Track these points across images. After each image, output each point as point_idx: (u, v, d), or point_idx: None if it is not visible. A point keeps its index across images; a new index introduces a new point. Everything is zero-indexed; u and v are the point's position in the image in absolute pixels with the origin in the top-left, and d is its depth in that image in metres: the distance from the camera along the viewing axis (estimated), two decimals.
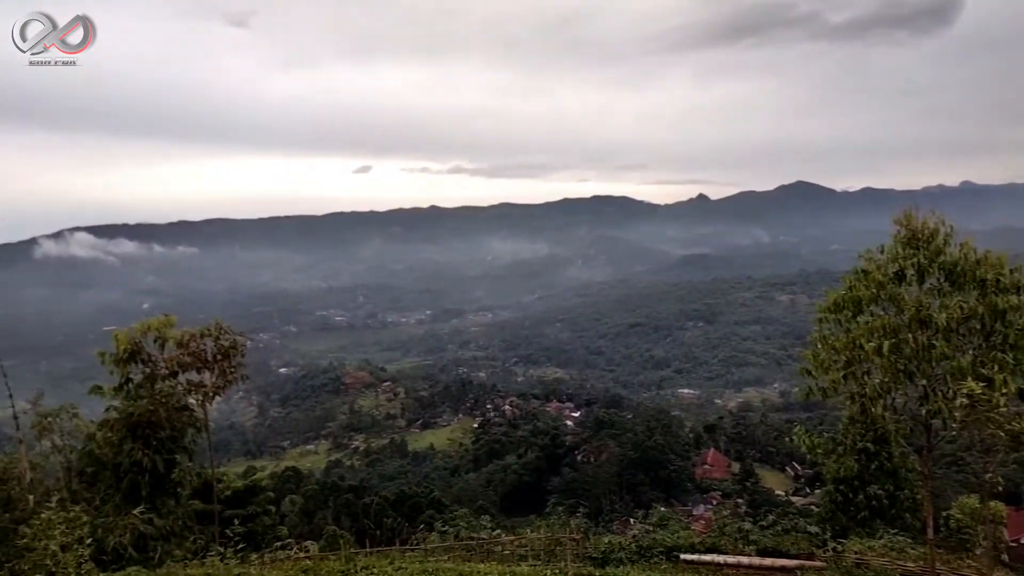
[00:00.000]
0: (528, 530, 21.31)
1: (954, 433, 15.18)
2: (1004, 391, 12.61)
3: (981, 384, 12.55)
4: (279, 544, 19.04)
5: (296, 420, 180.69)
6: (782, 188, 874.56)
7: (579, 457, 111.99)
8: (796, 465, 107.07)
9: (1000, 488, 20.05)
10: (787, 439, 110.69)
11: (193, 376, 20.36)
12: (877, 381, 14.10)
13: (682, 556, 17.58)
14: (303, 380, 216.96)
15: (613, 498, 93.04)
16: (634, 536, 19.77)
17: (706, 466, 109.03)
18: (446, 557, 17.43)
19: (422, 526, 24.86)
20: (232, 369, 20.74)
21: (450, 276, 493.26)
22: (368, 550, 18.02)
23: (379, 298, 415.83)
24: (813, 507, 39.36)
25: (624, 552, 17.68)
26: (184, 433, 19.46)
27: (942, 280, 14.23)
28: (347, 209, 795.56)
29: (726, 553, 17.55)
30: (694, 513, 76.58)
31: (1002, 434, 12.77)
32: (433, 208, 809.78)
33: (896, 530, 21.20)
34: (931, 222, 14.41)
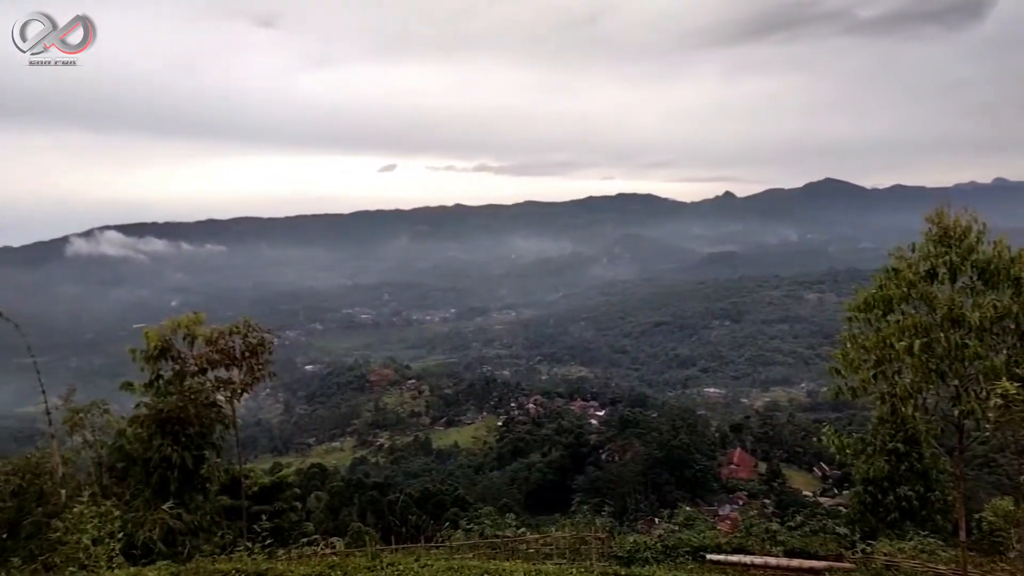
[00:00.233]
0: (553, 529, 21.29)
1: (987, 434, 14.91)
2: None
3: (1015, 384, 12.30)
4: (305, 540, 19.18)
5: (322, 417, 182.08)
6: (810, 185, 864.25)
7: (604, 456, 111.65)
8: (824, 465, 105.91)
9: None
10: (815, 439, 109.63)
11: (221, 373, 20.56)
12: (908, 381, 13.87)
13: (708, 556, 17.45)
14: (329, 377, 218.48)
15: (638, 497, 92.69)
16: (659, 536, 19.66)
17: (732, 466, 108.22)
18: (471, 555, 17.46)
19: (447, 524, 24.92)
20: (260, 366, 20.89)
21: (475, 274, 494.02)
22: (394, 547, 18.10)
23: (404, 296, 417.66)
24: (841, 508, 38.88)
25: (650, 552, 17.59)
26: (212, 429, 19.65)
27: (975, 279, 13.97)
28: (373, 208, 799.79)
29: (753, 554, 17.40)
30: (720, 513, 76.13)
31: None
32: (458, 206, 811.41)
33: (927, 532, 20.88)
34: (963, 219, 14.15)
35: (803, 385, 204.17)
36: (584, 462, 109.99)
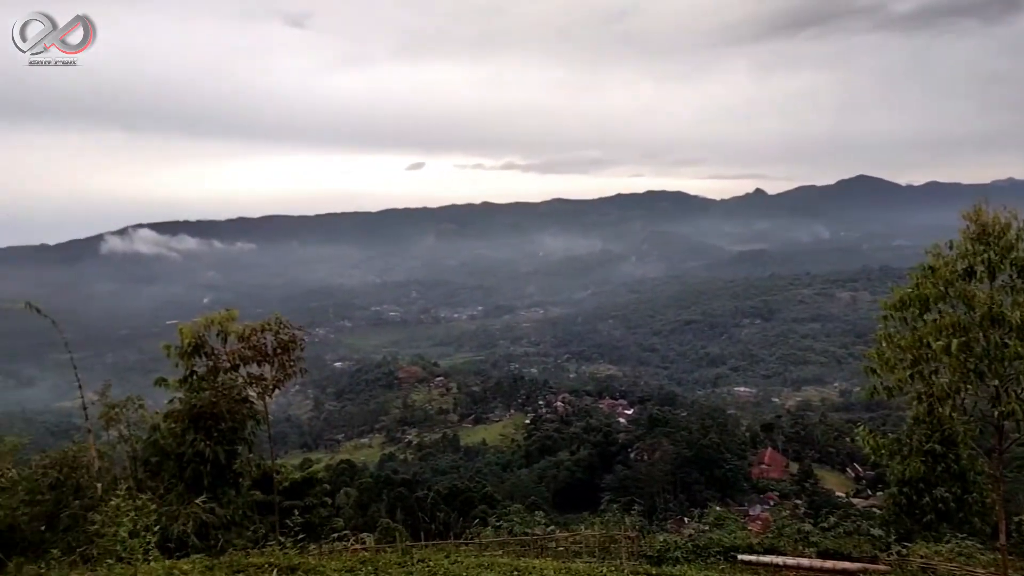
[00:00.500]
0: (582, 527, 21.23)
1: None
2: None
3: None
4: (336, 536, 19.34)
5: (350, 414, 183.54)
6: (843, 182, 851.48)
7: (632, 455, 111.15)
8: (857, 466, 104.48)
9: None
10: (848, 439, 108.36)
11: (253, 369, 20.75)
12: (945, 381, 13.62)
13: (740, 556, 17.28)
14: (357, 374, 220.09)
15: (667, 497, 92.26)
16: (690, 535, 19.52)
17: (763, 466, 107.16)
18: (500, 552, 17.47)
19: (476, 521, 24.96)
20: (291, 363, 21.05)
21: (502, 272, 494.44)
22: (423, 543, 18.17)
23: (432, 294, 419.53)
24: (875, 509, 38.34)
25: (680, 551, 17.46)
26: (244, 425, 19.84)
27: (1015, 277, 13.67)
28: (401, 206, 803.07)
29: (785, 554, 17.19)
30: (750, 513, 75.50)
31: None
32: (486, 204, 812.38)
33: (964, 535, 20.51)
34: (1002, 217, 13.84)
35: (836, 384, 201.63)
36: (612, 461, 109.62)
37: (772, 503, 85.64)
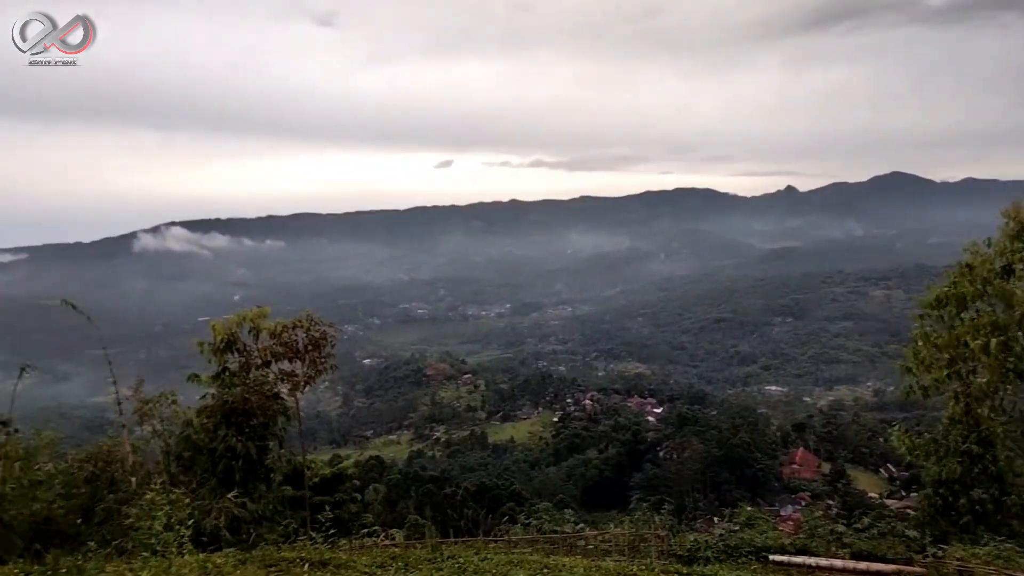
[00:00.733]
0: (611, 525, 21.12)
1: None
2: None
3: None
4: (365, 531, 19.45)
5: (379, 410, 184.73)
6: (877, 179, 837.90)
7: (661, 453, 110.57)
8: (891, 467, 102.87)
9: None
10: (881, 439, 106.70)
11: (285, 366, 20.92)
12: (983, 380, 13.38)
13: (772, 557, 17.07)
14: (386, 371, 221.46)
15: (696, 496, 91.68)
16: (720, 535, 19.32)
17: (794, 466, 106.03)
18: (529, 549, 17.44)
19: (504, 518, 24.96)
20: (322, 360, 21.20)
21: (530, 270, 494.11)
22: (453, 540, 18.21)
23: (460, 291, 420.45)
24: (909, 510, 37.68)
25: (711, 551, 17.30)
26: (275, 421, 20.00)
27: None
28: (429, 203, 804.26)
29: (818, 555, 16.95)
30: (781, 514, 74.71)
31: None
32: (513, 202, 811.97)
33: (1002, 537, 20.05)
34: None
35: (869, 384, 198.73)
36: (641, 459, 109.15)
37: (803, 503, 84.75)
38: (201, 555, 11.28)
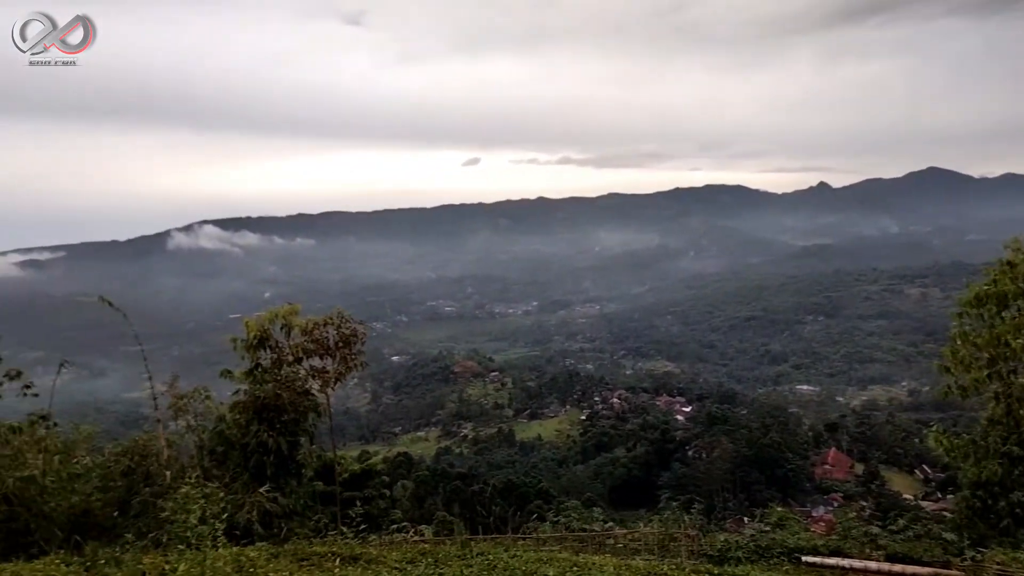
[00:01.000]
0: (640, 524, 21.01)
1: None
2: None
3: None
4: (395, 527, 19.55)
5: (407, 407, 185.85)
6: (912, 175, 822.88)
7: (690, 453, 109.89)
8: (927, 468, 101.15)
9: None
10: (917, 440, 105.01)
11: (316, 363, 21.09)
12: None
13: (804, 558, 16.85)
14: (414, 368, 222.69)
15: (726, 496, 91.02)
16: (752, 535, 19.12)
17: (826, 466, 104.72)
18: (558, 547, 17.41)
19: (532, 516, 24.97)
20: (352, 357, 21.34)
21: (558, 267, 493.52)
22: (481, 536, 18.23)
23: (487, 289, 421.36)
24: (945, 513, 37.02)
25: (742, 551, 17.12)
26: (306, 417, 20.17)
27: None
28: (456, 201, 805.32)
29: (852, 557, 16.69)
30: (813, 515, 73.88)
31: None
32: (541, 199, 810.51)
33: None
34: None
35: (904, 384, 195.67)
36: (670, 458, 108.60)
37: (836, 504, 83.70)
38: (234, 548, 11.40)
